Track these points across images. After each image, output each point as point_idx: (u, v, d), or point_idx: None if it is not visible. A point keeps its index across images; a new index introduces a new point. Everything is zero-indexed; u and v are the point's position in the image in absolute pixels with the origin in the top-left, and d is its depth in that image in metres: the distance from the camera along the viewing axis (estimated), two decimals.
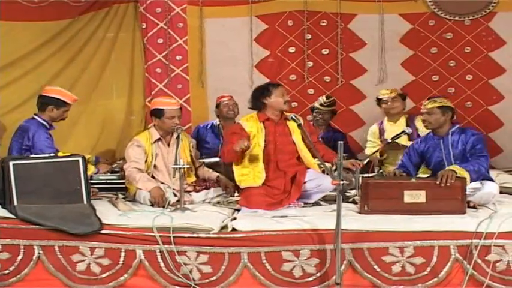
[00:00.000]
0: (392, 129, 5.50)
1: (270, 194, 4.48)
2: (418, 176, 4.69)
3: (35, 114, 4.90)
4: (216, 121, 5.93)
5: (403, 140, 5.21)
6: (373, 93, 6.01)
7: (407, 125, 5.36)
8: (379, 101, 5.60)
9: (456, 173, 4.18)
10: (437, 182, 4.13)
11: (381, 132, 5.62)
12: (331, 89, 6.31)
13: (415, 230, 3.88)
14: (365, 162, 4.85)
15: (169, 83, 6.37)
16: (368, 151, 5.55)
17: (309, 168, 4.59)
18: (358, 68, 6.34)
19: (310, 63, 6.36)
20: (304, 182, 4.51)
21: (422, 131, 5.16)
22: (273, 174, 4.56)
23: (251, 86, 6.35)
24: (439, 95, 5.02)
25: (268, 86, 4.67)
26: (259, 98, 4.65)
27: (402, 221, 3.98)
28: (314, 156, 4.60)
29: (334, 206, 3.80)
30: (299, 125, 4.34)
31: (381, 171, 5.31)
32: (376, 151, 5.14)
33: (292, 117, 4.44)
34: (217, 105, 5.89)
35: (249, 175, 4.55)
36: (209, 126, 5.94)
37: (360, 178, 4.39)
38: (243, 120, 4.71)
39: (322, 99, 5.89)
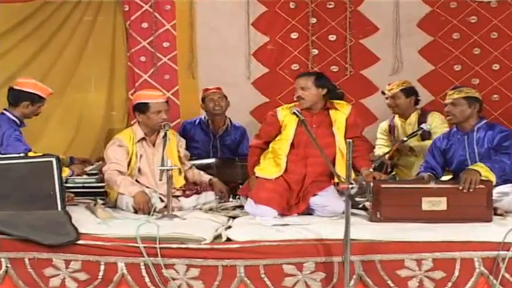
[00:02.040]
0: (404, 127, 5.52)
1: (284, 195, 4.51)
2: (438, 179, 4.70)
3: (5, 110, 4.91)
4: (204, 116, 5.93)
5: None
6: (387, 85, 6.01)
7: (419, 122, 5.38)
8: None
9: (480, 174, 4.19)
10: (460, 188, 4.15)
11: (391, 129, 5.64)
12: (339, 80, 6.30)
13: (434, 240, 3.89)
14: (377, 164, 4.85)
15: (155, 73, 6.37)
16: (379, 151, 5.56)
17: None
18: (370, 57, 6.34)
19: (315, 51, 6.37)
20: (315, 195, 4.55)
21: (436, 129, 5.20)
22: (295, 166, 4.59)
23: (248, 77, 6.38)
24: (465, 86, 5.02)
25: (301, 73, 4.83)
26: None
27: (419, 229, 3.99)
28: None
29: (342, 213, 3.82)
30: (302, 122, 4.35)
31: (393, 173, 5.31)
32: (389, 152, 5.14)
33: (294, 112, 4.45)
34: (203, 99, 5.88)
35: (268, 165, 4.63)
36: (197, 122, 5.92)
37: (372, 182, 4.40)
38: (281, 108, 4.75)
39: None
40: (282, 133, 4.67)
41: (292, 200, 4.56)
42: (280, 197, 4.50)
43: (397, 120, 5.63)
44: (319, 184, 4.59)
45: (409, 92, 5.53)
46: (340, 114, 4.66)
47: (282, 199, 4.51)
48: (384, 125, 5.76)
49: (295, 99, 4.64)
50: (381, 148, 5.61)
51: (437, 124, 5.34)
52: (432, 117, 5.42)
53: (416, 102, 5.55)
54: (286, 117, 4.66)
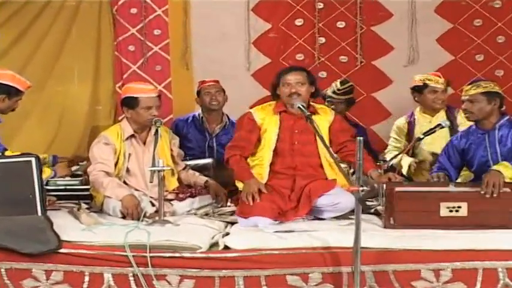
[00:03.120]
0: (428, 124, 5.45)
1: (275, 201, 4.50)
2: (458, 181, 4.70)
3: None
4: (198, 112, 5.93)
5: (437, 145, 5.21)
6: (401, 76, 6.01)
7: (448, 119, 5.34)
8: (422, 88, 5.50)
9: (504, 176, 4.19)
10: (482, 192, 4.15)
11: (411, 127, 5.58)
12: (349, 71, 6.32)
13: (454, 249, 3.90)
14: (389, 164, 4.85)
15: (145, 64, 6.38)
16: (389, 154, 5.51)
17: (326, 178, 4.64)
18: (383, 46, 6.35)
19: (323, 40, 6.37)
20: (320, 195, 4.54)
21: (462, 126, 5.17)
22: (282, 174, 4.61)
23: (247, 68, 6.38)
24: (484, 79, 5.03)
25: (280, 73, 4.72)
26: (273, 86, 4.74)
27: (437, 237, 3.99)
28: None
29: (352, 219, 3.83)
30: (307, 118, 4.36)
31: (408, 176, 5.30)
32: (402, 152, 5.12)
33: (299, 106, 4.46)
34: (198, 93, 5.88)
35: (257, 176, 4.61)
36: (190, 119, 5.91)
37: (385, 184, 4.41)
38: (256, 109, 4.75)
39: (336, 85, 5.88)
40: (262, 138, 4.64)
41: (287, 204, 4.54)
42: (271, 202, 4.48)
43: (419, 116, 5.56)
44: (324, 184, 4.58)
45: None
46: (323, 120, 4.67)
47: (274, 204, 4.48)
48: (400, 123, 5.64)
49: (286, 96, 4.58)
50: (392, 150, 5.54)
51: (463, 121, 5.30)
52: (462, 115, 5.38)
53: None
54: (265, 119, 4.65)
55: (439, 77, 5.46)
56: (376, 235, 4.05)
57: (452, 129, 5.21)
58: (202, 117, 5.86)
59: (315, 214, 4.58)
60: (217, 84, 5.82)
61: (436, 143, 5.20)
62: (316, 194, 4.52)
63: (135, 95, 4.82)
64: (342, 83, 5.87)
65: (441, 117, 5.41)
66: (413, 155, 5.42)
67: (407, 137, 5.53)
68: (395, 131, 5.64)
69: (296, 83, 4.61)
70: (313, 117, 4.56)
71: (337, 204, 4.50)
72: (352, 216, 4.16)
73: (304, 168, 4.62)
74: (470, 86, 4.63)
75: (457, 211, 4.16)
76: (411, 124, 5.56)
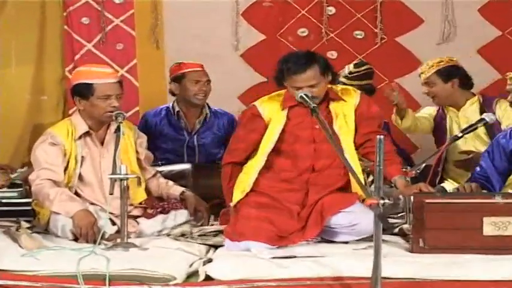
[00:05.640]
0: (457, 120, 5.52)
1: (276, 220, 4.51)
2: (504, 191, 4.73)
3: None
4: (171, 104, 5.92)
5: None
6: (433, 57, 6.00)
7: (481, 113, 5.37)
8: None
9: None
10: None
11: (438, 121, 5.64)
12: (366, 50, 6.35)
13: (501, 279, 3.91)
14: (419, 169, 4.87)
15: (102, 42, 6.38)
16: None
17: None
18: (410, 17, 6.38)
19: (332, 10, 6.40)
20: (336, 213, 4.54)
21: (504, 120, 5.21)
22: (289, 187, 4.64)
23: (236, 46, 6.38)
24: None
25: (283, 68, 4.56)
26: (279, 73, 4.61)
27: (480, 263, 4.01)
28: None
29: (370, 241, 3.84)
30: (312, 111, 4.36)
31: (443, 185, 5.33)
32: (437, 153, 5.16)
33: (302, 96, 4.44)
34: (178, 79, 5.86)
35: (241, 184, 4.66)
36: (163, 112, 5.91)
37: (412, 196, 4.43)
38: (262, 102, 4.73)
39: (348, 68, 5.89)
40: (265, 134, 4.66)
41: (293, 225, 4.55)
42: (270, 223, 4.48)
43: (449, 109, 5.63)
44: (342, 198, 4.60)
45: (448, 73, 5.55)
46: (345, 106, 4.63)
47: (272, 226, 4.48)
48: (430, 109, 5.79)
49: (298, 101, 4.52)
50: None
51: (505, 113, 5.34)
52: (502, 106, 5.42)
53: (464, 85, 5.57)
54: (273, 114, 4.64)
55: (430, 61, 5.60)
56: (400, 262, 4.07)
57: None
58: (178, 112, 5.84)
59: (323, 235, 4.61)
60: (205, 71, 5.80)
61: (468, 142, 5.27)
62: (331, 210, 4.52)
63: (88, 81, 4.83)
64: (355, 65, 5.88)
65: (471, 110, 5.46)
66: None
67: (437, 133, 5.60)
68: (423, 114, 5.79)
69: (308, 87, 4.52)
70: (335, 104, 4.61)
71: (355, 226, 4.52)
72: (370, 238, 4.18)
73: (322, 177, 4.63)
74: None
75: (505, 229, 4.18)
76: (440, 117, 5.62)
